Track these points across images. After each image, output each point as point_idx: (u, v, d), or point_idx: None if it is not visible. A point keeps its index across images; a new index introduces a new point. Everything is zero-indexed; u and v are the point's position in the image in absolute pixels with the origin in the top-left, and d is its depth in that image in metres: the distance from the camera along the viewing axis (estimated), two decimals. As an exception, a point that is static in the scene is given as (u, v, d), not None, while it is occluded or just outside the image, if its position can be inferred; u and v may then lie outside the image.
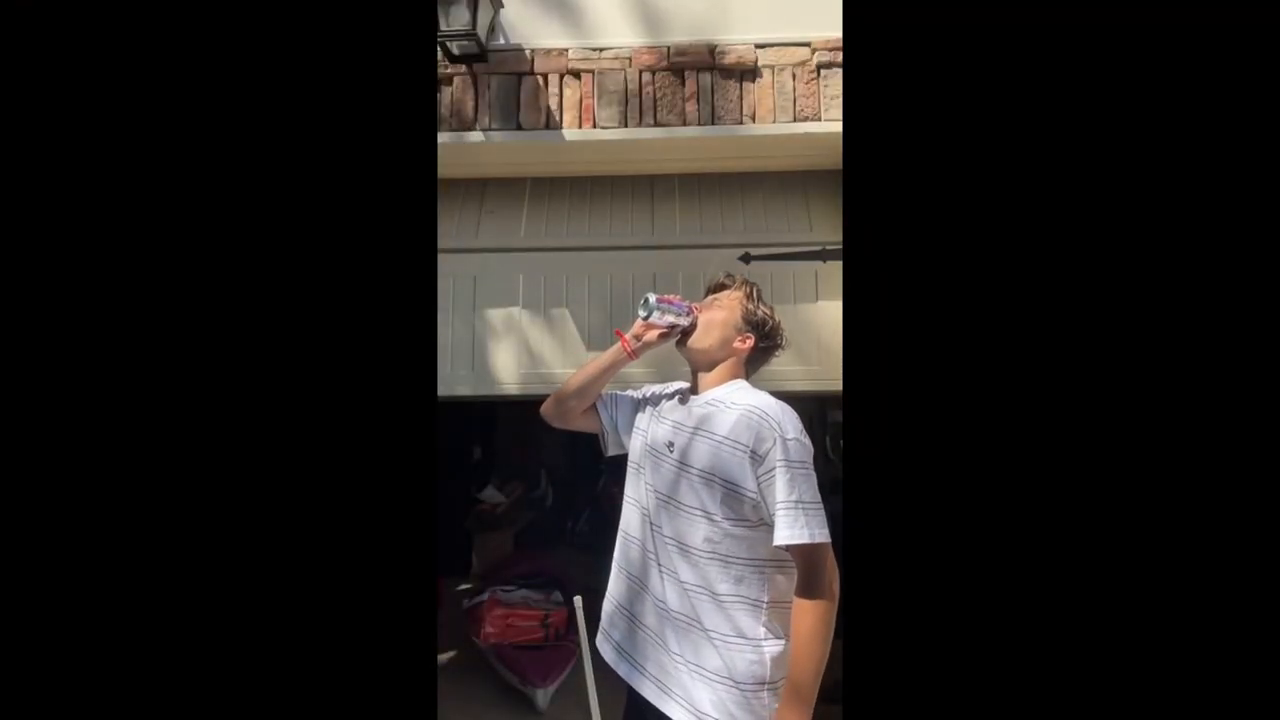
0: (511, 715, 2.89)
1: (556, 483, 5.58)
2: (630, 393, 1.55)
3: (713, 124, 2.32)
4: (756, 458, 1.20)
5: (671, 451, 1.33)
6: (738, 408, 1.27)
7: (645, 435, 1.42)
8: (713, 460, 1.25)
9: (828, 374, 2.41)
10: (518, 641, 3.12)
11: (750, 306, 1.40)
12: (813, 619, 1.14)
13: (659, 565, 1.30)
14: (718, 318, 1.39)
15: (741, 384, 1.36)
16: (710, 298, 1.45)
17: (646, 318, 1.37)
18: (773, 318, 1.42)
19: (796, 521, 1.16)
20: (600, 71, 2.35)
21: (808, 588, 1.16)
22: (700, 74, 2.34)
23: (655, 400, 1.48)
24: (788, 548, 1.17)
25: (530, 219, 2.58)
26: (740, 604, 1.23)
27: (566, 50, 2.36)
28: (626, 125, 2.33)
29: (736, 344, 1.37)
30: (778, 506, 1.17)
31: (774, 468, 1.19)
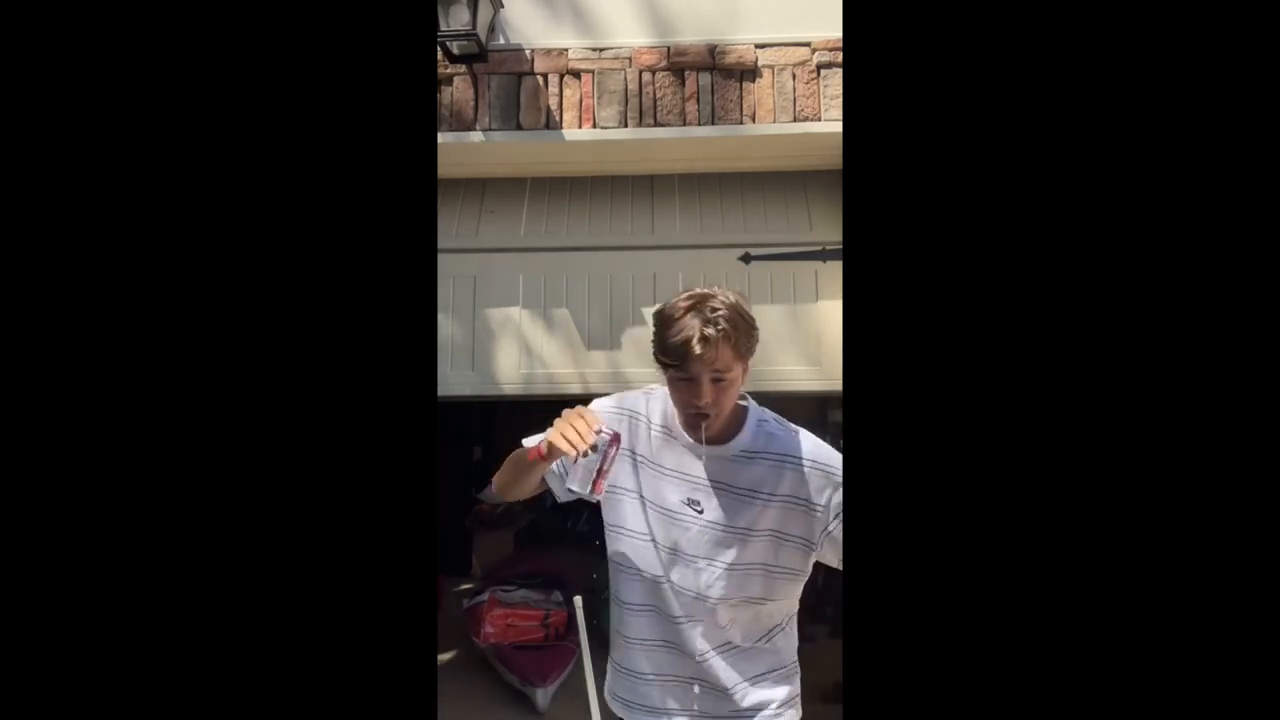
0: (511, 715, 2.89)
1: (556, 482, 5.55)
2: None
3: (713, 124, 2.32)
4: (827, 509, 1.16)
5: (699, 510, 1.19)
6: (791, 462, 1.17)
7: (638, 496, 1.23)
8: (780, 519, 1.17)
9: (828, 374, 2.41)
10: (518, 641, 3.12)
11: (734, 354, 1.10)
12: None
13: (692, 620, 1.23)
14: (729, 392, 1.13)
15: (763, 416, 1.22)
16: (704, 372, 1.09)
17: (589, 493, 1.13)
18: (750, 323, 1.13)
19: None
20: (600, 71, 2.35)
21: None
22: (700, 74, 2.34)
23: (639, 443, 1.25)
24: None
25: (530, 219, 2.58)
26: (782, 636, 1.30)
27: (566, 50, 2.36)
28: (626, 125, 2.33)
29: (741, 386, 1.18)
30: None
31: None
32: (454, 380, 2.46)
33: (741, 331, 1.10)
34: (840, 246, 2.41)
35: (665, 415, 1.24)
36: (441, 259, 2.43)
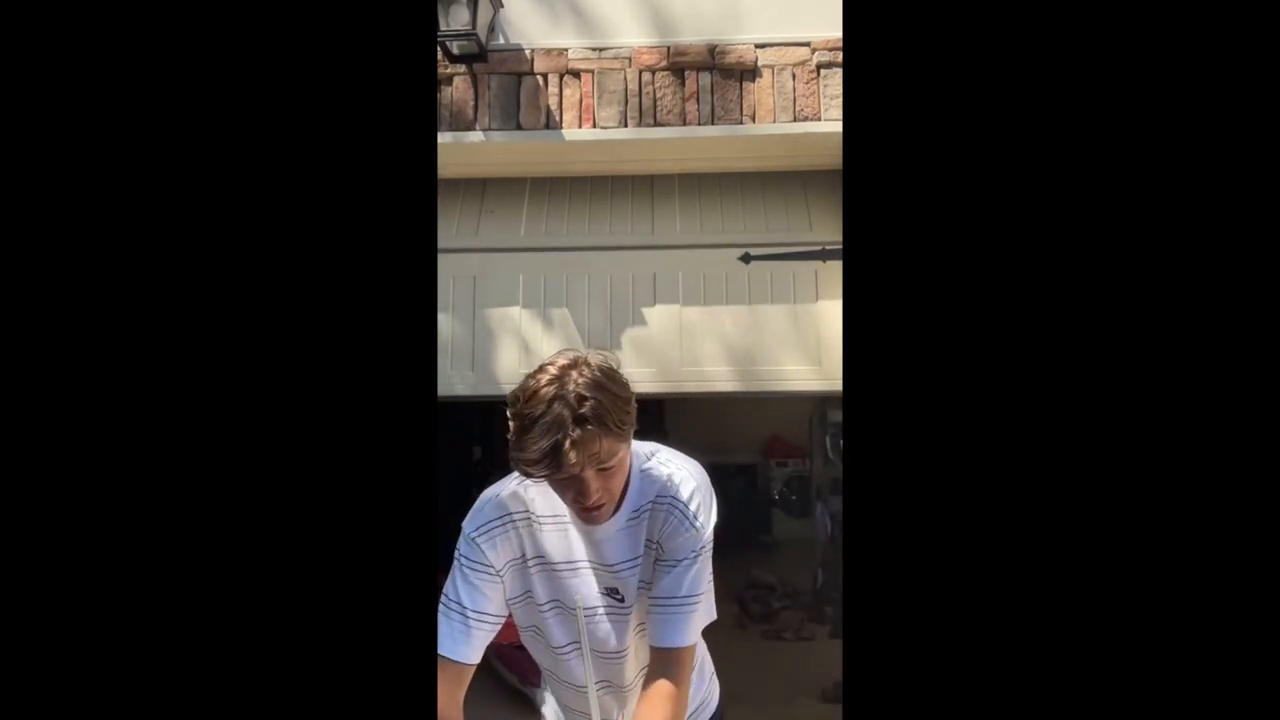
0: (511, 715, 2.89)
1: (556, 482, 5.54)
2: (483, 574, 1.06)
3: (713, 124, 2.32)
4: (660, 546, 1.03)
5: (619, 599, 1.06)
6: (664, 503, 1.02)
7: (554, 605, 1.08)
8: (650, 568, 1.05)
9: (828, 374, 2.41)
10: (518, 641, 3.10)
11: (613, 439, 0.92)
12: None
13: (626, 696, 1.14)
14: (619, 473, 0.97)
15: (644, 464, 1.05)
16: (583, 472, 0.92)
17: None
18: (620, 394, 0.94)
19: (695, 621, 1.00)
20: (600, 71, 2.35)
21: (681, 692, 1.00)
22: (700, 74, 2.34)
23: (521, 547, 1.07)
24: (672, 650, 0.99)
25: (530, 219, 2.58)
26: None
27: (566, 50, 2.36)
28: (626, 125, 2.33)
29: (618, 467, 0.96)
30: (681, 601, 0.99)
31: (692, 557, 1.00)
32: (454, 380, 2.46)
33: (614, 412, 0.91)
34: (840, 246, 2.41)
35: (552, 504, 1.04)
36: (441, 259, 2.43)
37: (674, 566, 1.01)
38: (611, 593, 1.06)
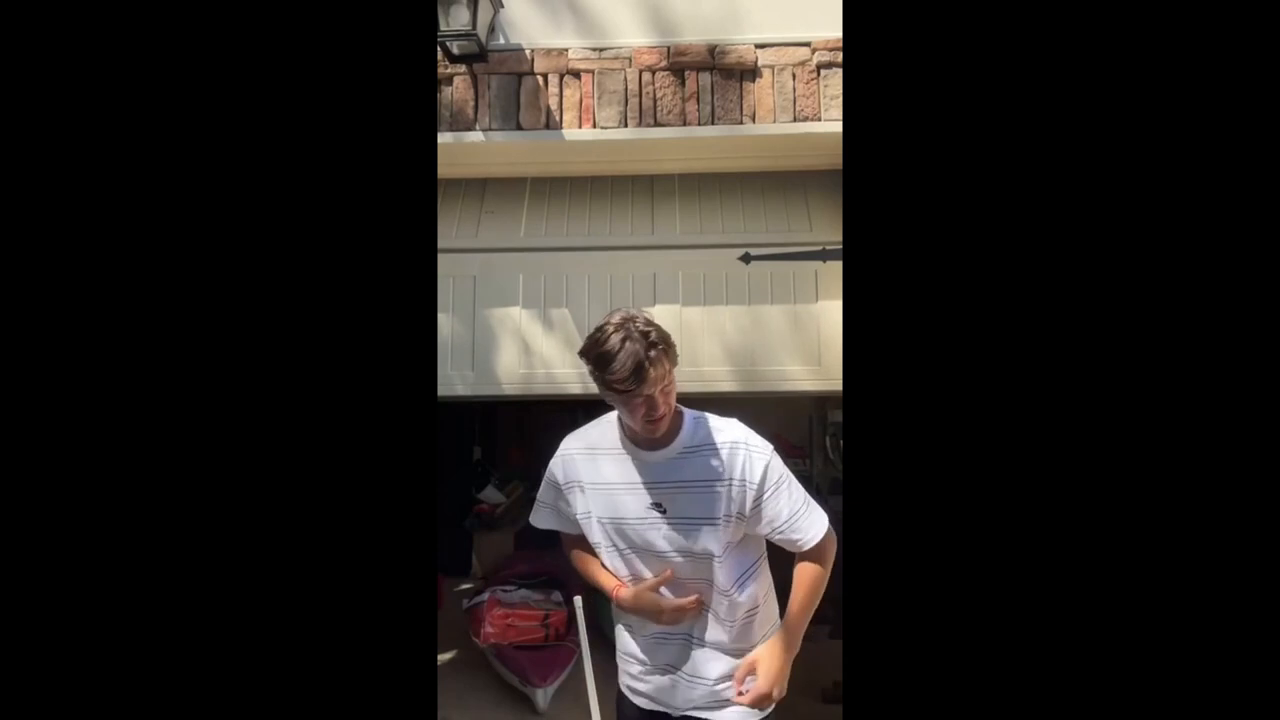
0: (511, 715, 2.89)
1: (556, 483, 5.52)
2: (554, 487, 1.41)
3: (713, 124, 2.31)
4: (760, 484, 1.28)
5: (663, 511, 1.30)
6: (741, 447, 1.30)
7: (599, 514, 1.35)
8: (736, 500, 1.29)
9: (828, 374, 2.40)
10: (518, 641, 3.11)
11: (670, 364, 1.22)
12: (820, 578, 1.33)
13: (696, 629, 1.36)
14: (672, 392, 1.25)
15: (695, 414, 1.33)
16: (635, 396, 1.19)
17: None
18: (668, 334, 1.24)
19: (815, 517, 1.31)
20: (600, 71, 2.35)
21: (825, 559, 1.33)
22: (700, 74, 2.34)
23: (583, 473, 1.37)
24: (810, 548, 1.31)
25: (530, 219, 2.57)
26: (761, 598, 1.41)
27: (566, 50, 2.36)
28: (626, 125, 2.33)
29: (672, 387, 1.26)
30: (797, 514, 1.30)
31: (777, 482, 1.29)
32: (454, 380, 2.46)
33: (668, 343, 1.23)
34: (840, 246, 2.41)
35: (610, 439, 1.35)
36: (441, 259, 2.42)
37: (773, 493, 1.29)
38: (657, 506, 1.30)
